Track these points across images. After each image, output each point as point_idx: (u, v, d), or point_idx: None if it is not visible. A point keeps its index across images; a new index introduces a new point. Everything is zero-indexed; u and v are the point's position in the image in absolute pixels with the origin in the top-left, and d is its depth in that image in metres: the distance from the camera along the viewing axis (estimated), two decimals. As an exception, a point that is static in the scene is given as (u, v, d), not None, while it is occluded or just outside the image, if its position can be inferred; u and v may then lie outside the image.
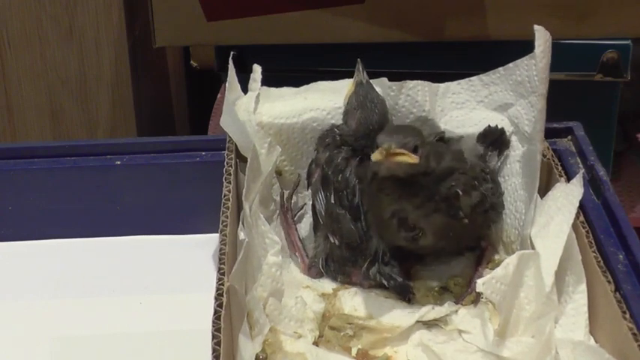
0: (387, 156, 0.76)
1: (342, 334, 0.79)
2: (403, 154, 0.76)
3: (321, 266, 0.84)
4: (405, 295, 0.81)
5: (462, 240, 0.83)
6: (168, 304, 0.86)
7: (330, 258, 0.84)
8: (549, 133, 0.88)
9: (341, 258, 0.83)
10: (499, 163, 0.86)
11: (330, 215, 0.83)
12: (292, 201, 0.89)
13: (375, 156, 0.76)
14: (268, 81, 0.91)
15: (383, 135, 0.77)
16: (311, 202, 0.87)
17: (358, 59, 0.86)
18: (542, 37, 0.80)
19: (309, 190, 0.88)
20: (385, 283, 0.82)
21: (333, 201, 0.83)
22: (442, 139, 0.85)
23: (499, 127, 0.86)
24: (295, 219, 0.88)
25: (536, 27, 0.80)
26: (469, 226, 0.80)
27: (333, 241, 0.83)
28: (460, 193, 0.78)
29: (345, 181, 0.83)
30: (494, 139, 0.86)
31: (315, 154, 0.87)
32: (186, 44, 1.31)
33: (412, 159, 0.77)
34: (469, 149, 0.84)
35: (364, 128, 0.83)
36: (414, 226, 0.79)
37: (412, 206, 0.78)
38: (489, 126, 0.87)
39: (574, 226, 0.77)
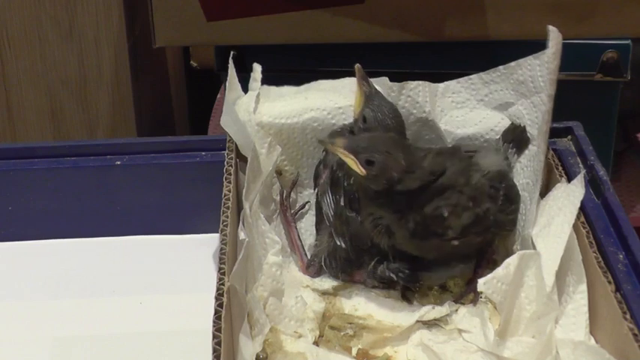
0: (330, 148, 0.79)
1: (342, 333, 0.79)
2: (348, 157, 0.78)
3: (322, 264, 0.84)
4: (417, 282, 0.81)
5: (457, 252, 0.82)
6: (168, 304, 0.86)
7: (332, 256, 0.84)
8: (549, 133, 0.88)
9: (346, 259, 0.83)
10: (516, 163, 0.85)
11: (339, 218, 0.83)
12: (291, 199, 0.89)
13: (322, 140, 0.80)
14: (268, 81, 0.91)
15: (355, 136, 0.80)
16: (315, 202, 0.87)
17: (357, 65, 0.85)
18: (555, 39, 0.80)
19: (315, 190, 0.88)
20: (394, 276, 0.81)
21: (342, 203, 0.83)
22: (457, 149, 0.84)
23: (521, 125, 0.85)
24: (295, 217, 0.88)
25: (550, 27, 0.80)
26: (460, 246, 0.79)
27: (339, 243, 0.83)
28: (445, 215, 0.78)
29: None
30: (516, 137, 0.85)
31: (323, 155, 0.87)
32: (186, 44, 1.31)
33: (358, 169, 0.77)
34: (490, 163, 0.82)
35: None
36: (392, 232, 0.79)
37: (387, 213, 0.79)
38: (512, 123, 0.86)
39: (574, 227, 0.77)
